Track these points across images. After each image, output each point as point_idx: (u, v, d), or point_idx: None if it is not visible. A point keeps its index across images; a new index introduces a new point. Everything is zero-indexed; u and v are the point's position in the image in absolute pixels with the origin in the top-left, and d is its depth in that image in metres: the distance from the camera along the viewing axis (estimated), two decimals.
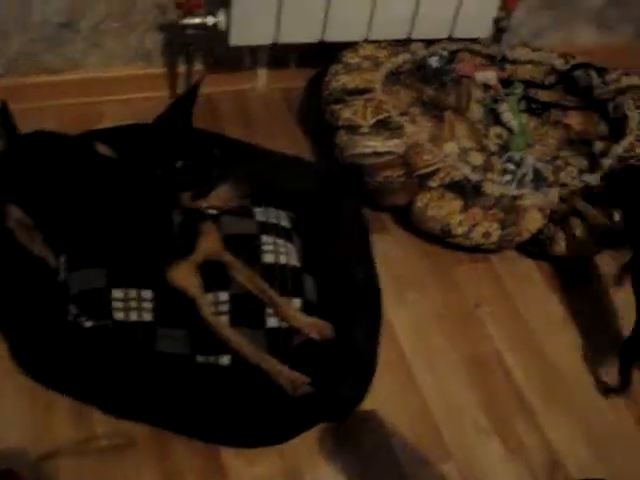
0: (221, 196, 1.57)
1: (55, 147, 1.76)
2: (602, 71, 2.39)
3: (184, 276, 1.60)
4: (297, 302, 1.73)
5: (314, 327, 1.69)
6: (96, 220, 1.61)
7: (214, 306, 1.68)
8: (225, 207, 1.70)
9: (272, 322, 1.69)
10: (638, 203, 1.94)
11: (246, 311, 1.69)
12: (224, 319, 1.67)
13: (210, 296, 1.67)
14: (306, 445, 1.62)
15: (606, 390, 1.85)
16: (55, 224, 1.70)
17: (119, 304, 1.65)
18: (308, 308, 1.74)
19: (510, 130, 2.26)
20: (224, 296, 1.69)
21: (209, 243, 1.65)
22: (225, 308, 1.68)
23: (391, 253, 2.04)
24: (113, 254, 1.67)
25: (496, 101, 2.31)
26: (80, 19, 2.14)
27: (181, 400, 1.56)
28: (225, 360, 1.62)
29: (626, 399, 1.83)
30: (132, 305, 1.65)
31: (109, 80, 2.29)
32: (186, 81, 2.18)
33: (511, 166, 2.09)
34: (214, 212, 1.73)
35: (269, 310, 1.69)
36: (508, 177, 2.06)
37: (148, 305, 1.66)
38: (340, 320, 1.72)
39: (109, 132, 2.01)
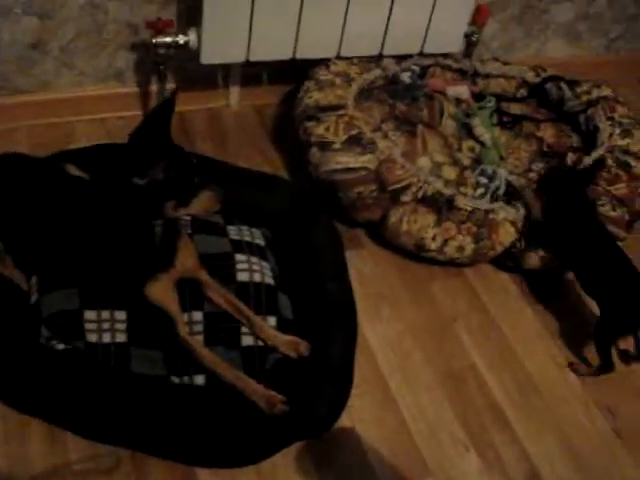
0: (203, 203, 1.53)
1: (23, 169, 1.75)
2: (573, 83, 2.42)
3: (163, 291, 1.59)
4: (272, 320, 1.73)
5: (291, 345, 1.68)
6: (67, 241, 1.59)
7: (188, 326, 1.67)
8: (208, 214, 1.67)
9: (247, 341, 1.68)
10: (554, 202, 1.99)
11: (220, 330, 1.68)
12: (199, 338, 1.66)
13: (185, 316, 1.66)
14: (283, 464, 1.61)
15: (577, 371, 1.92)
16: (25, 246, 1.68)
17: (92, 325, 1.63)
18: (283, 325, 1.73)
19: (482, 144, 2.27)
20: (198, 316, 1.68)
21: (187, 258, 1.64)
22: (200, 328, 1.67)
23: (366, 269, 2.04)
24: (85, 275, 1.65)
25: (468, 115, 2.32)
26: (50, 39, 2.14)
27: (156, 422, 1.54)
28: (200, 380, 1.61)
29: (606, 414, 1.84)
30: (105, 327, 1.63)
31: (81, 100, 2.29)
32: (159, 100, 2.17)
33: (484, 179, 2.10)
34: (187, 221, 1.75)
35: (244, 329, 1.68)
36: (481, 190, 2.07)
37: (121, 326, 1.64)
38: (315, 337, 1.71)
39: (82, 152, 2.00)
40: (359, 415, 1.72)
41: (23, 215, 1.65)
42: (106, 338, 1.63)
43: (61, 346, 1.62)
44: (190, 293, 1.68)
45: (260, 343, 1.68)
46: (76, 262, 1.62)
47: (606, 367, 1.87)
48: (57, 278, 1.68)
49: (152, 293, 1.57)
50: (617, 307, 1.86)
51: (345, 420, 1.69)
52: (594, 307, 2.03)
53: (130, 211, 1.48)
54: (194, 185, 1.51)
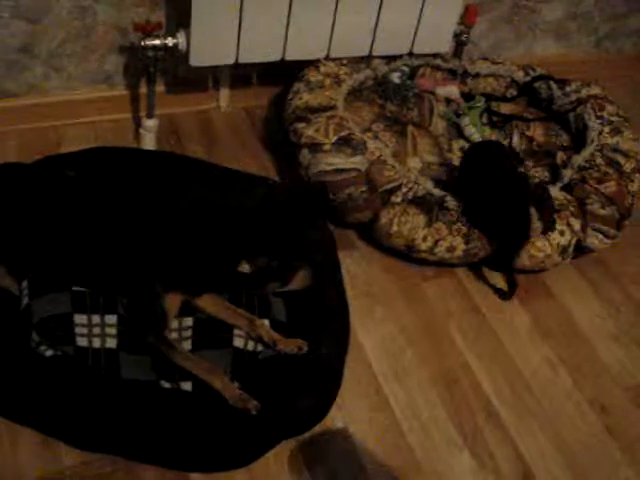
0: (299, 281, 1.71)
1: (16, 177, 1.75)
2: (562, 82, 2.42)
3: (175, 304, 1.63)
4: (266, 322, 1.73)
5: (289, 343, 1.69)
6: (64, 243, 1.62)
7: (177, 332, 1.67)
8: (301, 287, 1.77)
9: (238, 342, 1.68)
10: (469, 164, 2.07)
11: (211, 333, 1.68)
12: (186, 343, 1.66)
13: (175, 322, 1.67)
14: (275, 464, 1.61)
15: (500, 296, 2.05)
16: (18, 249, 1.68)
17: (82, 330, 1.63)
18: (277, 327, 1.73)
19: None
20: (189, 321, 1.69)
21: None
22: (189, 333, 1.68)
23: (358, 269, 2.04)
24: (81, 276, 1.66)
25: (458, 115, 2.33)
26: (38, 43, 2.13)
27: (146, 428, 1.53)
28: (187, 386, 1.60)
29: (599, 412, 1.84)
30: (95, 331, 1.63)
31: (70, 103, 2.28)
32: (148, 102, 2.17)
33: None
34: None
35: (236, 331, 1.69)
36: None
37: (112, 330, 1.64)
38: (308, 337, 1.71)
39: (73, 156, 2.01)
40: (351, 415, 1.72)
41: (16, 219, 1.65)
42: (96, 343, 1.63)
43: (50, 352, 1.61)
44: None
45: (249, 346, 1.68)
46: (71, 264, 1.64)
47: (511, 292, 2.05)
48: (49, 281, 1.68)
49: (169, 301, 1.62)
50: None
51: (337, 420, 1.70)
52: (585, 305, 2.07)
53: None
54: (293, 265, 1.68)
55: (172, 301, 1.63)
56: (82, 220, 1.64)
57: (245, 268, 1.61)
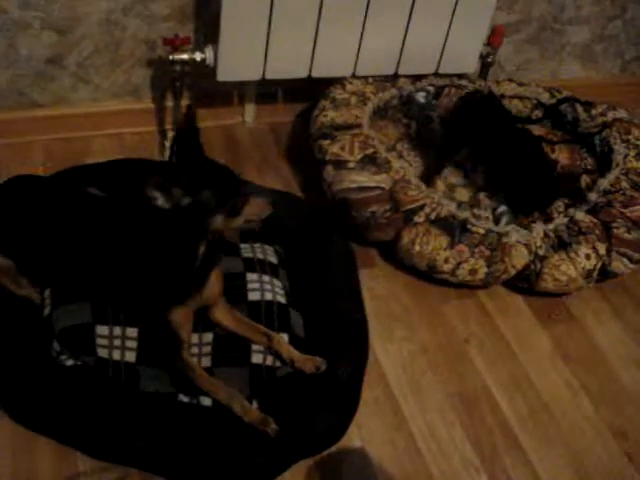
0: (254, 209, 1.55)
1: (37, 190, 1.76)
2: (588, 105, 2.41)
3: (184, 317, 1.60)
4: (284, 337, 1.72)
5: (308, 361, 1.68)
6: (86, 258, 1.61)
7: (198, 347, 1.67)
8: (261, 217, 1.62)
9: (256, 358, 1.68)
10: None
11: (229, 349, 1.68)
12: (206, 360, 1.66)
13: (195, 336, 1.67)
14: None
15: None
16: (41, 262, 1.69)
17: (103, 341, 1.63)
18: (295, 343, 1.72)
19: None
20: (209, 337, 1.69)
21: (214, 287, 1.65)
22: (208, 349, 1.68)
23: (378, 288, 2.04)
24: (101, 291, 1.66)
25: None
26: (67, 55, 2.16)
27: (163, 441, 1.54)
28: (207, 401, 1.60)
29: (618, 438, 1.82)
30: (116, 343, 1.64)
31: (97, 115, 2.30)
32: (174, 115, 2.19)
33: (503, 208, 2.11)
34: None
35: (254, 347, 1.68)
36: (505, 219, 2.08)
37: (132, 344, 1.64)
38: (326, 355, 1.70)
39: (97, 167, 2.02)
40: (369, 435, 1.71)
41: (40, 232, 1.65)
42: (116, 355, 1.63)
43: (70, 362, 1.62)
44: (202, 315, 1.68)
45: (268, 362, 1.68)
46: (93, 278, 1.64)
47: None
48: (71, 291, 1.68)
49: (174, 318, 1.58)
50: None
51: (355, 440, 1.69)
52: (607, 330, 2.05)
53: (175, 232, 1.49)
54: (241, 194, 1.52)
55: (179, 316, 1.59)
56: (93, 238, 1.62)
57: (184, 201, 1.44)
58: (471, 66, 2.40)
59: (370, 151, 2.03)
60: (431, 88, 2.37)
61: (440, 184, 2.13)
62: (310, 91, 2.32)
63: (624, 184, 2.13)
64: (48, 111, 2.26)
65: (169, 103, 2.32)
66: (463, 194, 2.12)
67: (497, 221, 2.06)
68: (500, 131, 2.20)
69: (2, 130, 2.20)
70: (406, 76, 2.34)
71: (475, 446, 1.75)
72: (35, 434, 1.58)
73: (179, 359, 1.60)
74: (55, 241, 1.64)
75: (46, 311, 1.68)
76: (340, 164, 2.03)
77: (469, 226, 1.94)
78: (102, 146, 2.28)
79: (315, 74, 2.20)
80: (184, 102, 2.23)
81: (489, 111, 2.26)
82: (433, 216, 1.94)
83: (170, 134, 2.22)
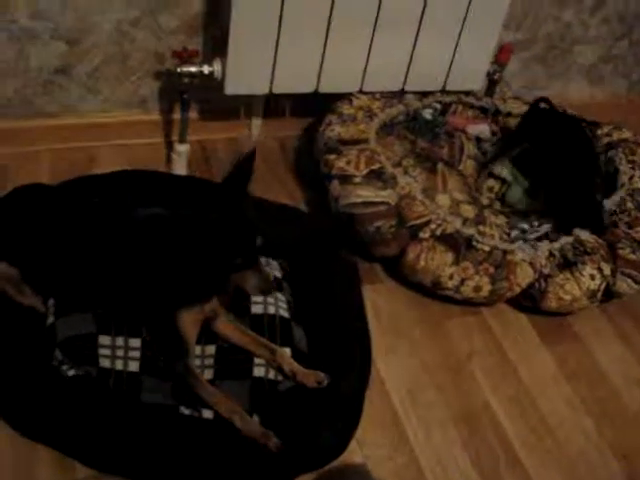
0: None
1: (44, 200, 1.76)
2: (594, 125, 2.41)
3: (191, 323, 1.61)
4: (287, 351, 1.72)
5: (310, 375, 1.68)
6: (94, 266, 1.61)
7: (200, 359, 1.67)
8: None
9: (258, 371, 1.67)
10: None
11: (232, 362, 1.68)
12: (208, 372, 1.66)
13: (198, 349, 1.67)
14: None
15: None
16: (47, 271, 1.69)
17: (106, 351, 1.63)
18: (298, 357, 1.72)
19: (504, 181, 2.27)
20: (211, 349, 1.69)
21: (223, 295, 1.66)
22: (211, 361, 1.68)
23: (382, 304, 2.04)
24: (108, 295, 1.66)
25: (485, 153, 2.33)
26: (76, 65, 2.16)
27: (163, 453, 1.53)
28: (208, 414, 1.60)
29: (621, 460, 1.81)
30: (118, 353, 1.63)
31: (104, 125, 2.31)
32: (181, 128, 2.19)
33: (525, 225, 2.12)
34: None
35: (257, 360, 1.68)
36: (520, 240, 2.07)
37: (135, 354, 1.64)
38: (328, 369, 1.70)
39: (103, 178, 2.02)
40: (371, 451, 1.71)
41: (50, 244, 1.65)
42: (119, 365, 1.63)
43: (71, 372, 1.61)
44: (205, 327, 1.68)
45: (270, 375, 1.67)
46: (97, 287, 1.64)
47: None
48: (74, 301, 1.68)
49: (182, 321, 1.58)
50: None
51: (356, 455, 1.68)
52: (611, 350, 2.05)
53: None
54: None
55: (187, 320, 1.60)
56: (99, 246, 1.62)
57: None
58: (478, 83, 2.41)
59: (376, 166, 2.03)
60: (438, 105, 2.38)
61: (446, 199, 2.13)
62: (317, 106, 2.32)
63: (629, 205, 2.13)
64: (56, 121, 2.26)
65: (176, 116, 2.32)
66: (469, 210, 2.11)
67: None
68: (563, 136, 2.23)
69: (10, 139, 2.21)
70: (413, 92, 2.35)
71: (476, 464, 1.74)
72: (35, 443, 1.57)
73: (183, 365, 1.60)
74: (61, 250, 1.64)
75: (49, 320, 1.67)
76: (346, 179, 2.03)
77: (474, 243, 1.94)
78: (109, 157, 2.28)
79: (322, 89, 2.21)
80: (192, 114, 2.24)
81: (556, 117, 2.28)
82: (439, 232, 1.94)
83: (178, 146, 2.22)
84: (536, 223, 2.14)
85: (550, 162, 2.21)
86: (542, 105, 2.29)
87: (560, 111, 2.31)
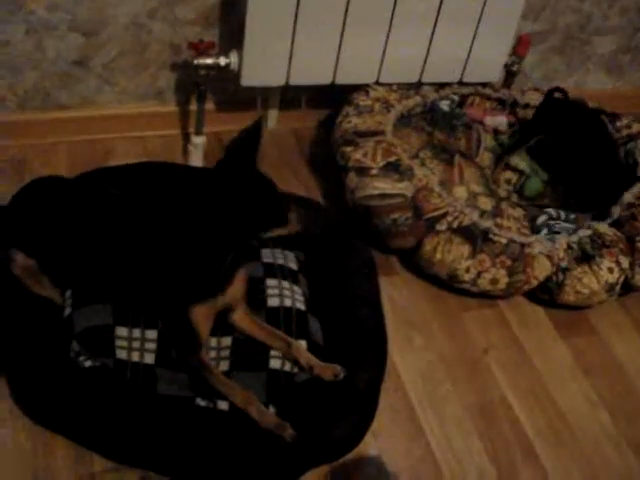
0: (294, 222, 1.57)
1: (61, 191, 1.77)
2: (613, 117, 2.39)
3: (204, 316, 1.60)
4: (303, 344, 1.72)
5: (327, 368, 1.68)
6: (110, 256, 1.62)
7: (216, 351, 1.68)
8: (299, 230, 1.64)
9: (275, 363, 1.68)
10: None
11: (248, 354, 1.68)
12: (224, 364, 1.67)
13: (214, 340, 1.67)
14: None
15: None
16: (64, 262, 1.70)
17: (122, 342, 1.64)
18: (314, 350, 1.72)
19: (522, 173, 2.25)
20: (227, 341, 1.69)
21: (238, 289, 1.66)
22: (227, 353, 1.68)
23: (398, 296, 2.03)
24: (124, 288, 1.67)
25: (502, 145, 2.32)
26: (93, 57, 2.17)
27: (179, 445, 1.53)
28: (224, 405, 1.60)
29: (637, 453, 1.80)
30: (135, 345, 1.64)
31: (121, 117, 2.31)
32: (197, 120, 2.19)
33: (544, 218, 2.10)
34: None
35: (273, 352, 1.68)
36: (545, 231, 2.06)
37: (151, 345, 1.65)
38: (344, 362, 1.70)
39: (120, 169, 2.03)
40: (386, 443, 1.71)
41: (68, 236, 1.66)
42: (135, 357, 1.63)
43: (88, 363, 1.62)
44: (222, 319, 1.68)
45: (287, 367, 1.68)
46: (124, 278, 1.65)
47: None
48: (92, 292, 1.69)
49: (195, 315, 1.58)
50: None
51: (371, 448, 1.69)
52: (628, 343, 2.04)
53: (210, 237, 1.51)
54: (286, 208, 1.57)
55: (200, 314, 1.60)
56: (116, 240, 1.63)
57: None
58: (496, 75, 2.39)
59: (393, 158, 2.03)
60: (455, 96, 2.36)
61: (463, 191, 2.12)
62: (333, 98, 2.31)
63: None
64: (73, 112, 2.27)
65: (193, 107, 2.32)
66: (486, 203, 2.10)
67: (537, 231, 2.04)
68: (577, 126, 2.23)
69: (27, 131, 2.22)
70: (430, 84, 2.33)
71: (492, 458, 1.74)
72: (53, 434, 1.59)
73: (197, 359, 1.60)
74: (79, 242, 1.65)
75: (66, 312, 1.68)
76: (363, 171, 2.02)
77: (491, 235, 1.93)
78: (125, 149, 2.29)
79: (339, 81, 2.20)
80: (208, 106, 2.24)
81: (570, 107, 2.28)
82: (455, 224, 1.93)
83: (194, 138, 2.23)
84: (562, 213, 2.13)
85: (566, 153, 2.20)
86: (557, 95, 2.28)
87: (573, 101, 2.29)
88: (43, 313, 1.70)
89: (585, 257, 1.96)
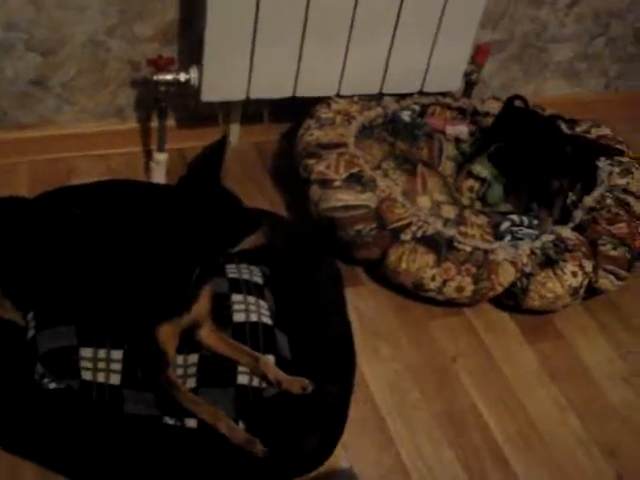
0: (252, 240, 1.58)
1: (22, 212, 1.75)
2: (572, 122, 2.42)
3: (170, 335, 1.59)
4: (270, 359, 1.71)
5: (295, 383, 1.67)
6: (72, 279, 1.61)
7: (183, 368, 1.66)
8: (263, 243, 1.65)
9: (242, 379, 1.67)
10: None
11: (215, 370, 1.67)
12: (191, 381, 1.65)
13: (180, 358, 1.66)
14: None
15: None
16: (25, 284, 1.68)
17: (87, 364, 1.62)
18: (281, 364, 1.71)
19: (483, 181, 2.27)
20: (194, 358, 1.68)
21: (203, 307, 1.65)
22: (194, 370, 1.67)
23: (365, 307, 2.03)
24: (88, 309, 1.65)
25: (464, 154, 2.33)
26: (52, 76, 2.15)
27: (149, 464, 1.52)
28: (192, 423, 1.59)
29: (608, 456, 1.81)
30: (100, 366, 1.62)
31: (81, 136, 2.30)
32: (159, 136, 2.18)
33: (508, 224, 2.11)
34: None
35: (240, 368, 1.67)
36: (508, 237, 2.07)
37: (117, 366, 1.63)
38: (313, 375, 1.69)
39: (82, 189, 2.01)
40: (357, 455, 1.70)
41: (30, 257, 1.65)
42: (100, 378, 1.61)
43: (53, 385, 1.60)
44: (187, 336, 1.66)
45: (254, 382, 1.66)
46: (78, 299, 1.63)
47: None
48: (55, 314, 1.67)
49: (160, 334, 1.57)
50: None
51: (342, 460, 1.68)
52: (594, 347, 2.06)
53: (174, 257, 1.50)
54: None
55: (166, 334, 1.58)
56: (79, 260, 1.61)
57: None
58: (456, 84, 2.41)
59: (356, 170, 2.03)
60: (416, 107, 2.37)
61: (426, 200, 2.13)
62: (295, 111, 2.31)
63: (609, 201, 2.14)
64: (33, 132, 2.25)
65: (154, 124, 2.31)
66: (449, 211, 2.11)
67: (501, 238, 2.05)
68: (534, 135, 2.25)
69: None
70: (391, 95, 2.34)
71: (463, 465, 1.74)
72: (20, 459, 1.56)
73: (163, 377, 1.58)
74: (41, 263, 1.63)
75: (30, 334, 1.66)
76: (326, 183, 2.03)
77: (455, 243, 1.94)
78: (87, 167, 2.27)
79: (299, 93, 2.20)
80: (170, 123, 2.23)
81: (527, 115, 2.30)
82: (419, 234, 1.94)
83: (156, 155, 2.22)
84: (525, 219, 2.14)
85: (522, 159, 2.22)
86: (517, 103, 2.30)
87: (532, 109, 2.32)
88: (5, 336, 1.68)
89: (549, 262, 1.97)
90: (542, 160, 2.18)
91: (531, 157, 2.20)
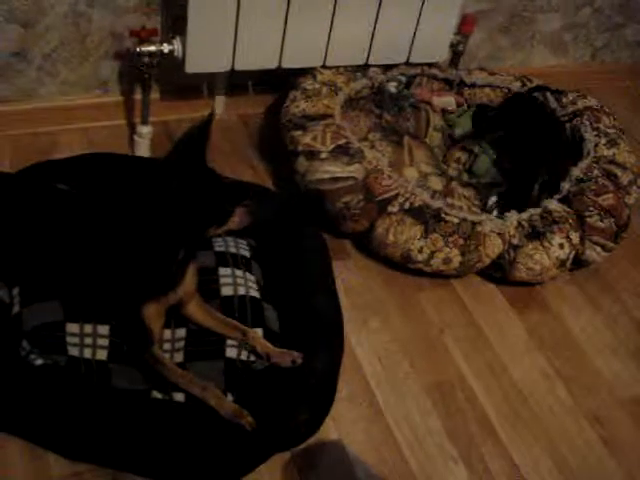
0: (237, 220, 1.58)
1: (4, 187, 1.73)
2: (559, 94, 2.41)
3: (157, 313, 1.58)
4: (259, 332, 1.71)
5: (284, 355, 1.67)
6: (57, 255, 1.59)
7: (171, 343, 1.66)
8: (240, 227, 1.65)
9: (231, 352, 1.66)
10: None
11: (204, 344, 1.66)
12: (179, 355, 1.65)
13: (167, 333, 1.65)
14: (269, 477, 1.59)
15: None
16: (10, 259, 1.67)
17: (74, 339, 1.61)
18: (270, 337, 1.71)
19: (471, 152, 2.27)
20: (181, 332, 1.68)
21: (189, 285, 1.64)
22: (181, 344, 1.66)
23: (353, 280, 2.03)
24: (73, 286, 1.64)
25: (450, 126, 2.32)
26: (33, 48, 2.12)
27: (137, 439, 1.51)
28: (180, 397, 1.58)
29: (594, 423, 1.82)
30: (87, 341, 1.61)
31: (64, 109, 2.26)
32: (143, 109, 2.16)
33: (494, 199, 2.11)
34: None
35: (229, 341, 1.67)
36: (495, 212, 2.08)
37: (103, 341, 1.62)
38: (301, 348, 1.69)
39: (65, 162, 1.99)
40: (346, 426, 1.71)
41: (13, 232, 1.63)
42: (87, 353, 1.60)
43: (39, 361, 1.58)
44: (175, 311, 1.66)
45: (243, 356, 1.66)
46: (64, 274, 1.62)
47: None
48: (40, 289, 1.66)
49: (148, 313, 1.56)
50: None
51: (332, 431, 1.68)
52: (582, 317, 2.07)
53: (160, 235, 1.49)
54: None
55: (152, 312, 1.58)
56: (64, 236, 1.60)
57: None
58: (442, 54, 2.39)
59: (342, 141, 2.02)
60: (402, 77, 2.36)
61: (413, 172, 2.13)
62: (281, 82, 2.29)
63: (596, 172, 2.13)
64: (14, 106, 2.22)
65: (138, 96, 2.28)
66: (436, 183, 2.11)
67: (489, 212, 2.05)
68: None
69: None
70: (377, 66, 2.32)
71: (452, 436, 1.75)
72: (7, 435, 1.55)
73: (149, 354, 1.58)
74: (25, 238, 1.62)
75: (15, 309, 1.64)
76: (312, 155, 2.01)
77: (443, 215, 1.93)
78: (70, 141, 2.24)
79: (285, 64, 2.18)
80: (154, 95, 2.21)
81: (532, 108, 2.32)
82: (407, 205, 1.93)
83: (140, 128, 2.19)
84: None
85: (520, 147, 2.24)
86: (536, 94, 2.29)
87: (539, 103, 2.34)
88: None
89: (536, 234, 1.97)
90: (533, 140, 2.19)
91: (526, 145, 2.21)
